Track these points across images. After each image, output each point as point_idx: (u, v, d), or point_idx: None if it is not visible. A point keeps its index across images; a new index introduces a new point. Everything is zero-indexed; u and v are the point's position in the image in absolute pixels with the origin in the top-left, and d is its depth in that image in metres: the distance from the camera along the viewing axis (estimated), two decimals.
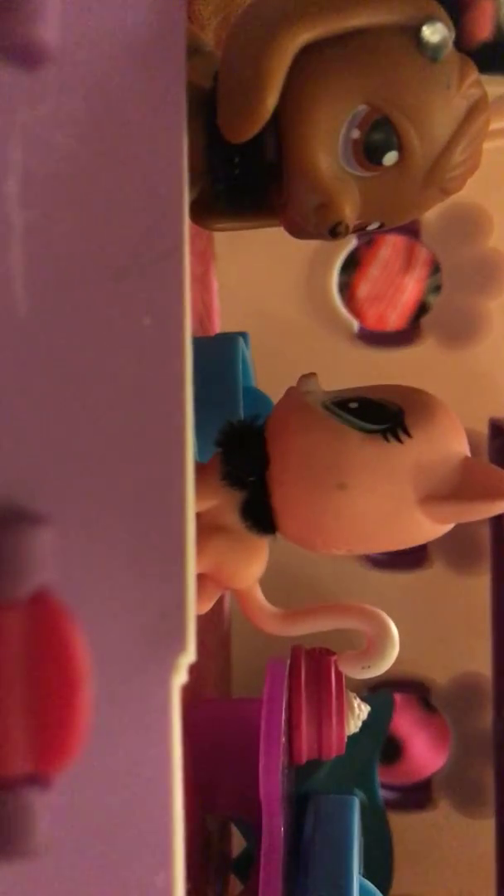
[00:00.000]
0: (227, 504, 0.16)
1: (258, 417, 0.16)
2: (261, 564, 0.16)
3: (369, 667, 0.17)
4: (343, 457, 0.14)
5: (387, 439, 0.14)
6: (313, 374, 0.16)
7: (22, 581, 0.11)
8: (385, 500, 0.15)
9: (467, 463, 0.15)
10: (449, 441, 0.15)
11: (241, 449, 0.16)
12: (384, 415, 0.15)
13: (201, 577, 0.16)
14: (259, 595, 0.17)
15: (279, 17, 0.14)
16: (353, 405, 0.15)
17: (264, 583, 0.17)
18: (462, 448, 0.15)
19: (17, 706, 0.11)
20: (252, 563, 0.16)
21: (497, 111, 0.27)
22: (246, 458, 0.15)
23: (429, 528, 0.15)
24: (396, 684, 0.36)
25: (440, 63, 0.15)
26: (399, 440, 0.14)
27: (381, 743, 0.31)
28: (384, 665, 0.17)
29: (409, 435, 0.15)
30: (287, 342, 0.35)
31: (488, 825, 0.32)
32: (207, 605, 0.17)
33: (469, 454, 0.15)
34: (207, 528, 0.16)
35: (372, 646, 0.17)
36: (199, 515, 0.15)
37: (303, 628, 0.17)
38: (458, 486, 0.14)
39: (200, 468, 0.16)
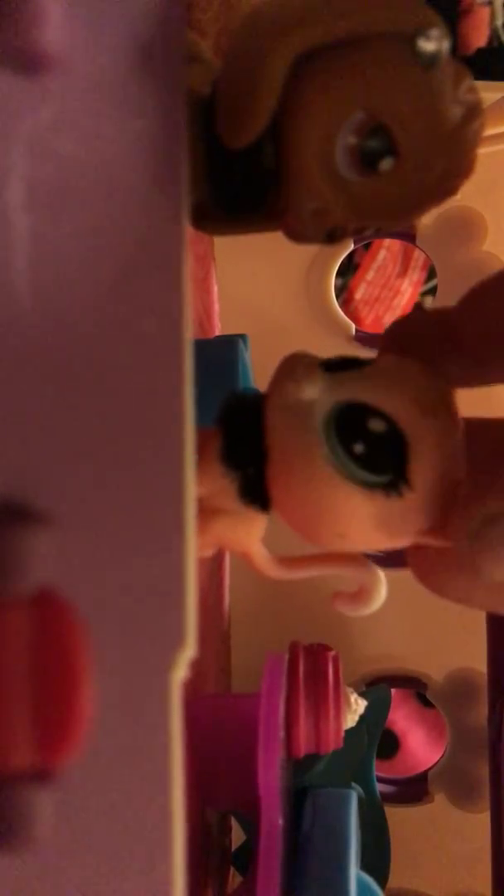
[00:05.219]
0: (225, 487, 0.16)
1: (257, 393, 0.16)
2: (262, 529, 0.17)
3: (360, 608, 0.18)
4: (344, 516, 0.15)
5: (388, 495, 0.15)
6: (314, 368, 0.16)
7: (23, 578, 0.12)
8: (382, 542, 0.16)
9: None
10: (449, 470, 0.15)
11: (241, 435, 0.16)
12: (388, 458, 0.15)
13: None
14: (259, 546, 0.17)
15: (275, 27, 0.14)
16: (359, 449, 0.15)
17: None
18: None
19: (19, 700, 0.12)
20: (253, 533, 0.17)
21: (492, 117, 0.28)
22: (245, 447, 0.16)
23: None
24: (393, 680, 0.36)
25: (435, 70, 0.15)
26: (400, 495, 0.15)
27: (377, 737, 0.31)
28: (372, 607, 0.17)
29: (410, 487, 0.15)
30: (285, 344, 0.34)
31: (483, 819, 0.32)
32: (208, 552, 0.17)
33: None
34: (207, 511, 0.16)
35: (363, 591, 0.17)
36: (198, 500, 0.15)
37: (300, 573, 0.18)
38: (447, 527, 0.15)
39: (198, 447, 0.15)
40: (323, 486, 0.15)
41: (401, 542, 0.16)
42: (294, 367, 0.16)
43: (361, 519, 0.15)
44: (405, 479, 0.15)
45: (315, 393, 0.15)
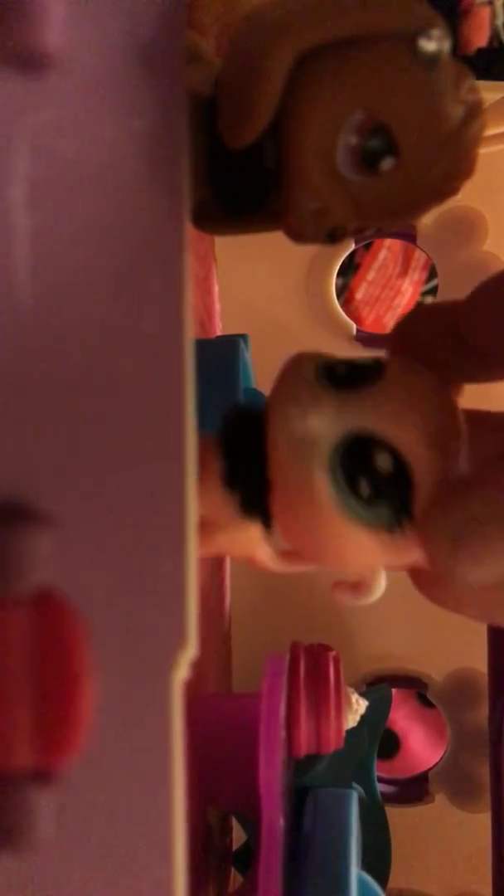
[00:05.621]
0: (227, 507, 0.16)
1: (257, 405, 0.16)
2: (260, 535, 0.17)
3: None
4: (347, 549, 0.15)
5: (391, 531, 0.15)
6: (320, 393, 0.15)
7: (23, 579, 0.12)
8: (383, 567, 0.16)
9: None
10: None
11: (243, 459, 0.16)
12: (394, 497, 0.15)
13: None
14: (261, 545, 0.18)
15: (276, 27, 0.14)
16: (364, 489, 0.15)
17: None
18: None
19: (20, 701, 0.12)
20: (254, 538, 0.17)
21: (493, 117, 0.28)
22: (247, 471, 0.16)
23: None
24: (394, 680, 0.36)
25: (436, 70, 0.15)
26: (402, 529, 0.15)
27: (378, 737, 0.31)
28: (371, 598, 0.18)
29: (413, 522, 0.15)
30: (286, 344, 0.35)
31: (484, 818, 0.32)
32: (209, 552, 0.17)
33: None
34: (209, 526, 0.16)
35: (362, 581, 0.17)
36: (199, 518, 0.15)
37: (304, 566, 0.18)
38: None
39: (199, 463, 0.15)
40: (326, 523, 0.15)
41: (401, 567, 0.16)
42: (299, 390, 0.15)
43: (364, 551, 0.15)
44: (409, 514, 0.15)
45: (321, 424, 0.15)
